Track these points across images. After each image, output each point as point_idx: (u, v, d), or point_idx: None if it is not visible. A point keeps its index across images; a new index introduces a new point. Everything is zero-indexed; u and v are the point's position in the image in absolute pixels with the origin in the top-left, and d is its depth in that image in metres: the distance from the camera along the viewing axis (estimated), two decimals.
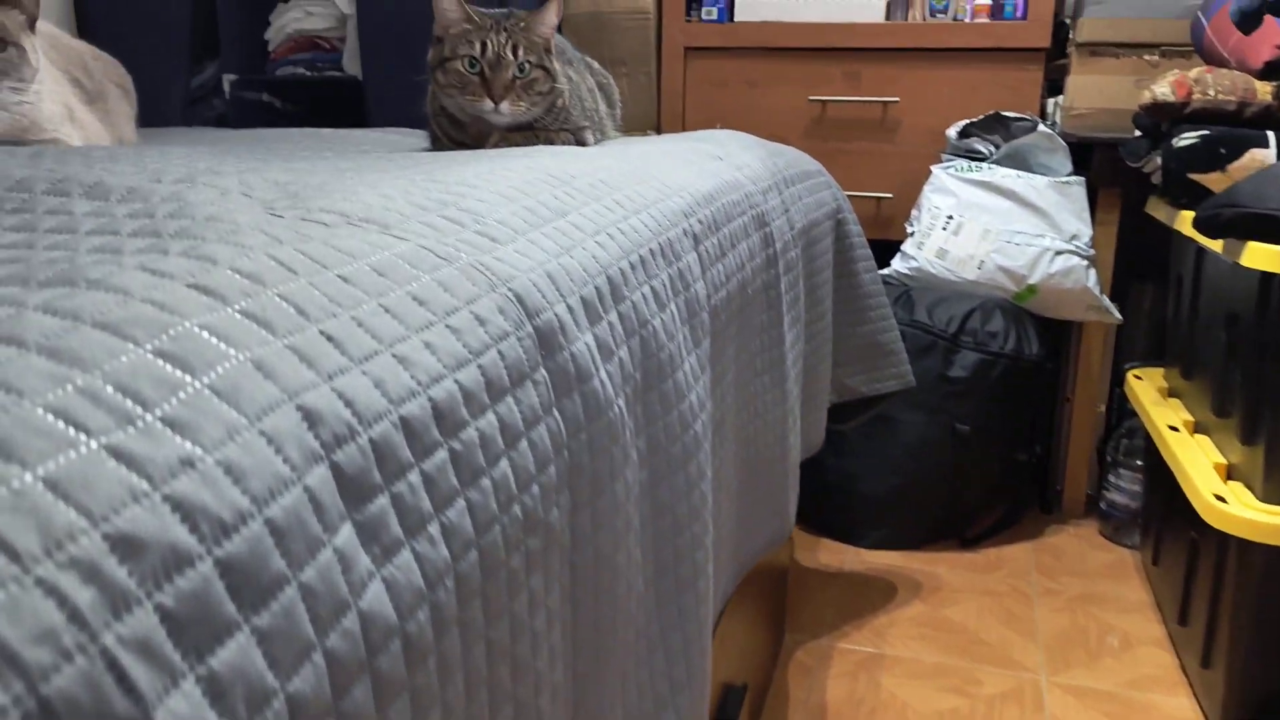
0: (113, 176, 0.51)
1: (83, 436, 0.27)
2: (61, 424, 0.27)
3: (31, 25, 0.88)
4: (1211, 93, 1.65)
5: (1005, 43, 2.13)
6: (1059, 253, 1.99)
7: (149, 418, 0.29)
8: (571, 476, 0.51)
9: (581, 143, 1.05)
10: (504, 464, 0.43)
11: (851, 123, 2.24)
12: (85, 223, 0.43)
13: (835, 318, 1.49)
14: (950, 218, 2.03)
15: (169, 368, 0.31)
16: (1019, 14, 2.13)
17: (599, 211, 0.65)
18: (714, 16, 2.28)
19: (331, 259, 0.42)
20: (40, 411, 0.27)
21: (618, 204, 0.68)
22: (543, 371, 0.49)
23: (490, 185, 0.60)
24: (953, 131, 2.12)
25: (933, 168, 2.10)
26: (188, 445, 0.29)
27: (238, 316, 0.35)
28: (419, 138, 1.27)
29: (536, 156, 0.75)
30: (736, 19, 2.26)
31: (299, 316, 0.37)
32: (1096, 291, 2.01)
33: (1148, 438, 1.90)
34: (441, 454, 0.39)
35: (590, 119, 1.09)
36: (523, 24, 0.98)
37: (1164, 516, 1.80)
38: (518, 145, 0.98)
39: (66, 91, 1.00)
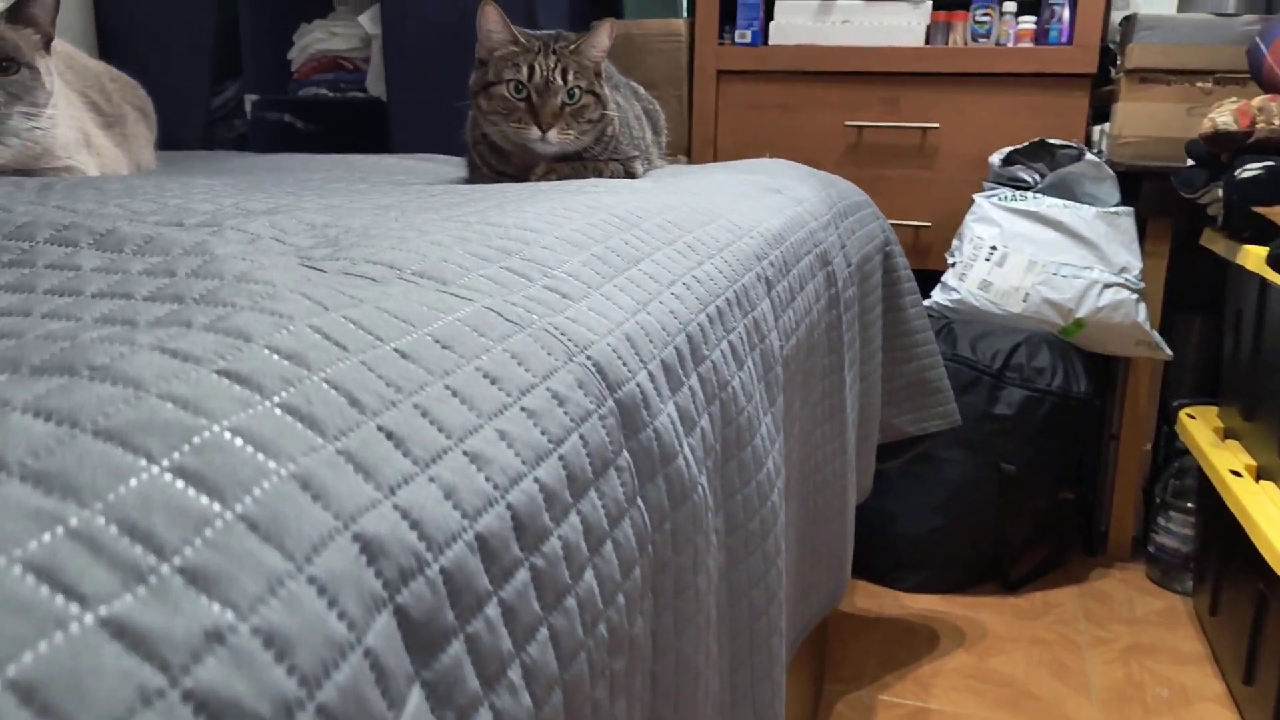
0: (128, 222, 0.44)
1: (74, 608, 0.20)
2: (46, 590, 0.20)
3: (47, 46, 0.81)
4: (1277, 122, 1.58)
5: (1050, 68, 2.06)
6: (1108, 286, 1.91)
7: (165, 570, 0.22)
8: (655, 575, 0.44)
9: (631, 174, 0.97)
10: (589, 575, 0.36)
11: (889, 149, 2.17)
12: (93, 281, 0.36)
13: (882, 355, 1.41)
14: (994, 248, 1.96)
15: (191, 493, 0.24)
16: (1064, 39, 2.06)
17: (671, 257, 0.58)
18: (747, 40, 2.22)
19: (386, 328, 0.35)
20: (17, 572, 0.20)
21: (689, 248, 0.61)
22: (625, 455, 0.41)
23: (554, 229, 0.53)
24: (996, 159, 2.04)
25: (975, 196, 2.02)
26: (216, 609, 0.21)
27: (278, 413, 0.28)
28: (454, 165, 1.20)
29: (595, 193, 0.68)
30: (771, 42, 2.20)
31: (352, 409, 0.30)
32: (1147, 326, 1.93)
33: (1201, 480, 1.81)
34: (522, 575, 0.32)
35: (638, 148, 1.01)
36: (573, 46, 0.90)
37: (1222, 565, 1.71)
38: (565, 176, 0.91)
39: (82, 115, 0.93)
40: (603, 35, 0.91)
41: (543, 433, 0.36)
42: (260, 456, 0.26)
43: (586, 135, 0.92)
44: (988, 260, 1.95)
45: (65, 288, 0.36)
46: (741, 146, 2.22)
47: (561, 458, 0.36)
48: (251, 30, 2.25)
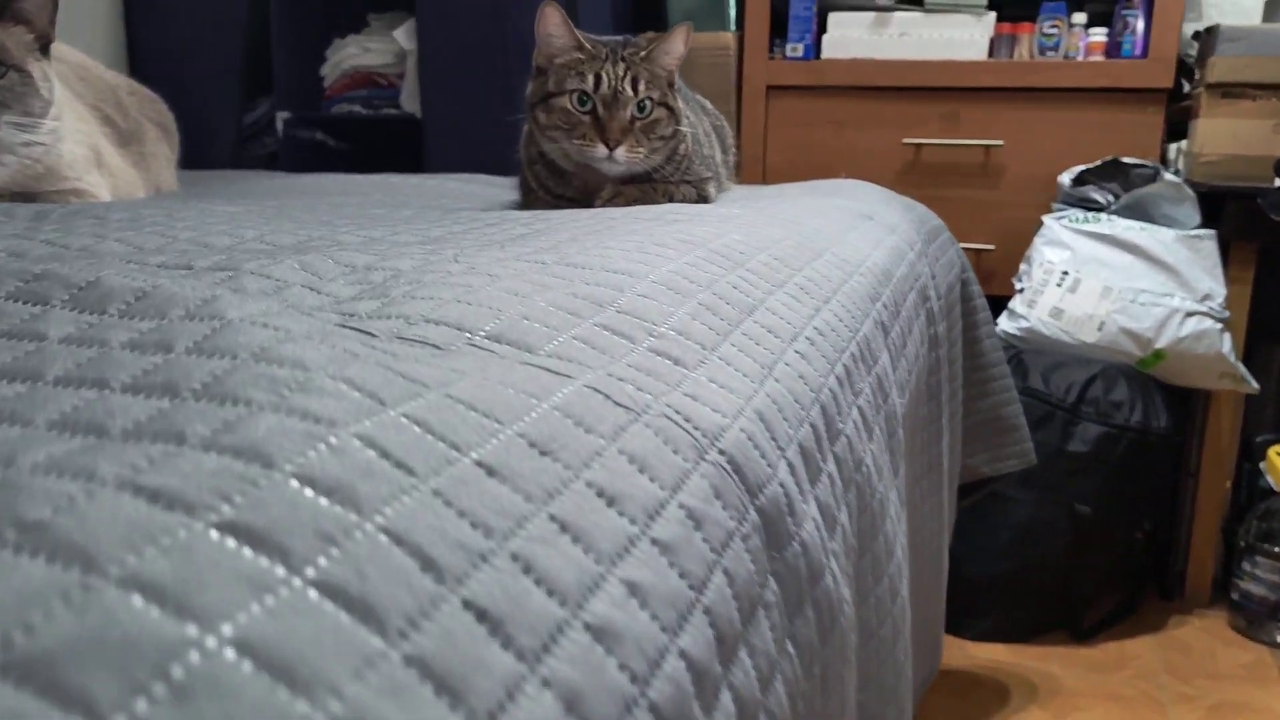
0: (119, 267, 0.34)
1: None
2: None
3: (44, 48, 0.71)
4: None
5: (1122, 83, 1.94)
6: (1190, 314, 1.78)
7: None
8: None
9: (704, 197, 0.86)
10: None
11: (949, 168, 2.05)
12: (58, 360, 0.26)
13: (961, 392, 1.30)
14: (1065, 273, 1.84)
15: None
16: (1138, 52, 1.94)
17: (786, 303, 0.48)
18: (799, 54, 2.11)
19: (463, 430, 0.25)
20: None
21: (803, 290, 0.51)
22: (772, 585, 0.31)
23: (648, 271, 0.43)
24: (1066, 178, 1.92)
25: (1045, 218, 1.91)
26: None
27: (313, 599, 0.17)
28: (499, 187, 1.10)
29: (682, 223, 0.58)
30: (824, 56, 2.10)
31: (425, 576, 0.19)
32: (1231, 358, 1.80)
33: None
34: None
35: (710, 168, 0.91)
36: (643, 53, 0.80)
37: None
38: (634, 201, 0.80)
39: (94, 131, 0.84)
40: (678, 41, 0.80)
41: (682, 576, 0.25)
42: (283, 694, 0.15)
43: (658, 154, 0.81)
44: (1059, 286, 1.83)
45: (19, 370, 0.26)
46: (792, 165, 2.12)
47: (708, 611, 0.26)
48: (283, 46, 2.18)
